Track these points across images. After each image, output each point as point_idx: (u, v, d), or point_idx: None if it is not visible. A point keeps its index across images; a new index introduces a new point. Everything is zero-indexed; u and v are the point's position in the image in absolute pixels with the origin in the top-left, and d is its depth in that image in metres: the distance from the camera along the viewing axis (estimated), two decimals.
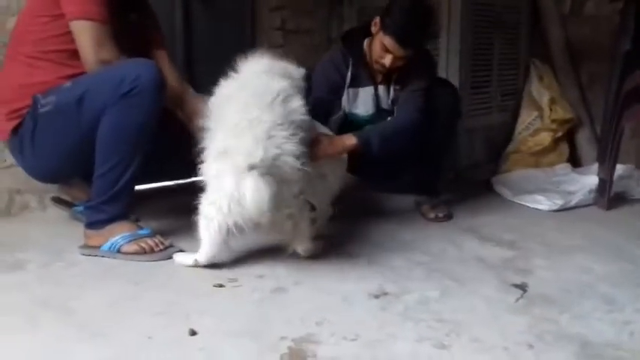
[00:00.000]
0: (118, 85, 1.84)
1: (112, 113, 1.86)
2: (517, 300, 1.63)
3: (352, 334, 1.41)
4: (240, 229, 1.76)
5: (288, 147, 1.77)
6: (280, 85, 1.90)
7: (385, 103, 2.45)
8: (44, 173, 2.09)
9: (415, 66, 2.36)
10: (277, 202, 1.71)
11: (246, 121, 1.76)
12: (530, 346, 1.37)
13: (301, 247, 1.93)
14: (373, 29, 2.32)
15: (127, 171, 1.91)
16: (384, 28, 2.25)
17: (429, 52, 2.53)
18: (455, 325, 1.47)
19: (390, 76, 2.42)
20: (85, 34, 1.89)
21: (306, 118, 1.93)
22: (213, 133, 1.83)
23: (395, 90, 2.41)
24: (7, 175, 2.34)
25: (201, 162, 1.84)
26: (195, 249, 2.00)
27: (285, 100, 1.87)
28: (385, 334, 1.42)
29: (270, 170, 1.70)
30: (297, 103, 1.91)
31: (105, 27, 1.91)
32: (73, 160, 2.01)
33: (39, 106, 1.92)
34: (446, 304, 1.60)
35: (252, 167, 1.67)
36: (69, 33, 1.91)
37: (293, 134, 1.80)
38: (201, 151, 1.84)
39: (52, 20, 1.94)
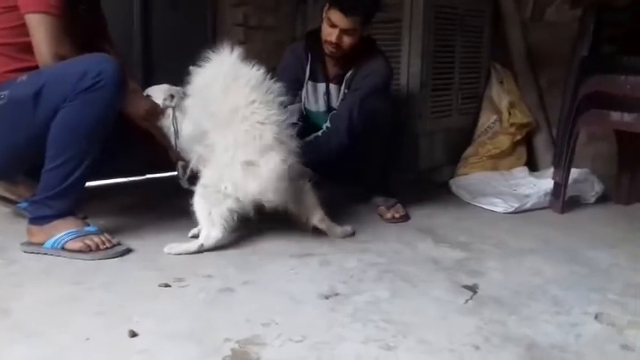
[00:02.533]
0: (80, 79, 1.79)
1: (70, 107, 1.80)
2: (467, 301, 1.63)
3: (299, 336, 1.39)
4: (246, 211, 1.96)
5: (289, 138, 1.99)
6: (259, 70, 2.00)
7: (335, 103, 2.49)
8: None
9: (367, 69, 2.42)
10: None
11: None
12: (477, 348, 1.36)
13: (316, 217, 2.12)
14: (323, 13, 2.38)
15: (79, 167, 1.86)
16: (330, 3, 2.32)
17: (386, 60, 2.54)
18: (403, 326, 1.45)
19: (342, 77, 2.43)
20: (41, 28, 1.84)
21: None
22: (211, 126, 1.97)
23: (345, 93, 2.45)
24: None
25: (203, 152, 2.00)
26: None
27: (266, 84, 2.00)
28: (332, 336, 1.40)
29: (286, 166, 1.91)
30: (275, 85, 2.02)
31: (61, 21, 1.86)
32: (23, 156, 1.95)
33: None
34: (396, 305, 1.58)
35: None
36: (22, 26, 1.85)
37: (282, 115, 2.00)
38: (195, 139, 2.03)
39: (3, 12, 1.88)
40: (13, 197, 2.23)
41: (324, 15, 2.38)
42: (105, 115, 1.86)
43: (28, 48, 1.87)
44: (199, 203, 1.97)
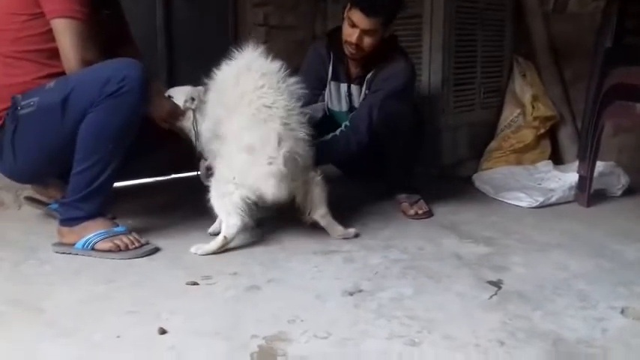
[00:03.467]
0: (105, 84, 1.82)
1: (97, 112, 1.84)
2: (491, 297, 1.62)
3: (324, 332, 1.40)
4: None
5: (299, 125, 1.99)
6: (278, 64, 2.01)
7: (357, 103, 2.49)
8: (24, 175, 2.07)
9: (389, 71, 2.39)
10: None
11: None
12: (502, 343, 1.36)
13: (318, 213, 2.09)
14: (344, 13, 2.35)
15: (106, 169, 1.89)
16: (351, 3, 2.29)
17: (408, 61, 2.49)
18: (427, 322, 1.46)
19: (363, 78, 2.43)
20: (67, 33, 1.87)
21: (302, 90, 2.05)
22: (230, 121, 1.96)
23: (365, 94, 2.44)
24: None
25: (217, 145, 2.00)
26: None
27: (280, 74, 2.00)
28: (357, 332, 1.41)
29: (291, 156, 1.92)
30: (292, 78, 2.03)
31: (86, 26, 1.89)
32: (55, 160, 1.99)
33: (19, 108, 1.90)
34: (420, 301, 1.59)
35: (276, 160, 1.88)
36: (49, 32, 1.89)
37: (299, 112, 2.01)
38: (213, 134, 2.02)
39: (31, 19, 1.91)
40: (43, 199, 2.29)
41: (344, 15, 2.34)
42: (129, 119, 1.89)
43: (56, 54, 1.90)
44: (214, 196, 1.98)
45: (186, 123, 2.18)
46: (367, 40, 2.31)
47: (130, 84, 1.83)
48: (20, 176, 2.09)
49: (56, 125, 1.88)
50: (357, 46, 2.32)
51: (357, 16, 2.26)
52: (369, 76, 2.45)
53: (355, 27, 2.28)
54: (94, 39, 1.92)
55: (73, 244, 1.92)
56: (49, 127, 1.90)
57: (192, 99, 2.16)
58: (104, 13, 2.11)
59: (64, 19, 1.86)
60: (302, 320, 1.47)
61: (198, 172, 2.23)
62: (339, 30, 2.45)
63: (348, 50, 2.37)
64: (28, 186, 2.32)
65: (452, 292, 1.66)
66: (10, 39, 1.94)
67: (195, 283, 1.70)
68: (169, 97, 2.19)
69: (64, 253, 1.92)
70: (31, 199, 2.34)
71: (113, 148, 1.89)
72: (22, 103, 1.90)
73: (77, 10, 1.87)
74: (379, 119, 2.32)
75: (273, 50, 2.08)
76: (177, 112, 2.16)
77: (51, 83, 1.90)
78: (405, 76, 2.43)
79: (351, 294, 1.64)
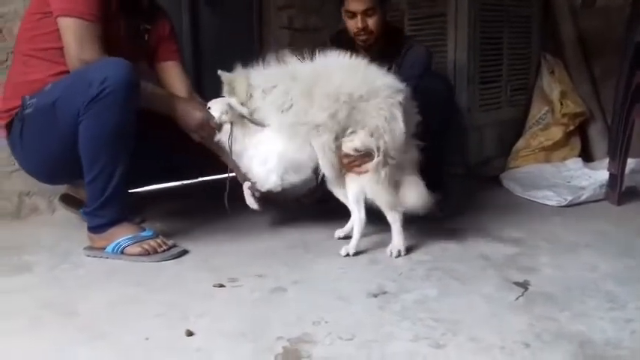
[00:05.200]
0: (87, 89, 1.80)
1: (87, 118, 1.83)
2: (517, 298, 1.61)
3: (348, 334, 1.41)
4: None
5: None
6: None
7: None
8: (40, 174, 2.12)
9: (409, 60, 2.42)
10: None
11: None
12: (528, 345, 1.35)
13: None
14: (342, 13, 2.44)
15: (113, 177, 1.89)
16: None
17: (420, 45, 2.53)
18: (452, 324, 1.46)
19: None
20: (69, 32, 1.88)
21: None
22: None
23: None
24: (17, 177, 2.39)
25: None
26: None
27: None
28: (381, 334, 1.42)
29: None
30: None
31: (91, 25, 1.89)
32: (62, 162, 1.98)
33: (25, 107, 1.94)
34: (445, 303, 1.59)
35: None
36: (58, 30, 1.91)
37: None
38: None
39: (42, 17, 1.95)
40: (78, 197, 2.32)
41: (343, 13, 2.43)
42: (121, 120, 1.84)
43: None
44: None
45: (223, 137, 2.07)
46: (371, 21, 2.38)
47: (112, 85, 1.79)
48: (38, 175, 2.13)
49: (51, 127, 1.89)
50: (365, 29, 2.39)
51: (352, 3, 2.35)
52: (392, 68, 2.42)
53: (355, 15, 2.36)
54: (102, 41, 1.91)
55: (104, 249, 1.96)
56: (46, 129, 1.91)
57: (228, 111, 2.03)
58: (141, 25, 2.16)
59: (67, 18, 1.88)
60: (326, 322, 1.48)
61: (228, 176, 2.18)
62: (341, 32, 2.53)
63: (360, 40, 2.42)
64: (62, 189, 2.37)
65: (477, 293, 1.65)
66: (27, 37, 1.99)
67: (221, 286, 1.72)
68: (209, 108, 2.09)
69: (95, 256, 1.97)
70: (65, 198, 2.35)
71: (113, 153, 1.87)
72: (27, 103, 1.93)
73: (81, 10, 1.87)
74: (419, 93, 2.22)
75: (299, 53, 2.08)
76: (209, 125, 2.05)
77: (49, 85, 1.92)
78: (428, 56, 2.50)
79: (376, 296, 1.64)
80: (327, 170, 1.96)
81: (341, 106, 1.88)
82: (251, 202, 2.13)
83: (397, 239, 1.98)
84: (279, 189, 2.03)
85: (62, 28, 1.89)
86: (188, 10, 3.05)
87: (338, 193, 2.11)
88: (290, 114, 1.93)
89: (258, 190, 2.09)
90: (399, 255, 1.96)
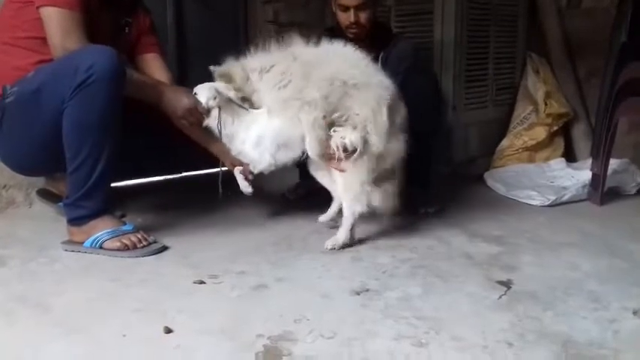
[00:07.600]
0: (73, 75, 1.78)
1: (71, 106, 1.80)
2: (500, 297, 1.60)
3: (330, 332, 1.39)
4: None
5: None
6: None
7: None
8: (22, 166, 2.07)
9: (397, 55, 2.44)
10: None
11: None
12: (511, 345, 1.34)
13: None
14: (333, 7, 2.48)
15: (96, 166, 1.86)
16: None
17: (406, 41, 2.58)
18: (435, 322, 1.44)
19: None
20: (52, 21, 1.86)
21: None
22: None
23: None
24: None
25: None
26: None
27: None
28: (364, 332, 1.40)
29: None
30: None
31: (74, 14, 1.87)
32: (43, 153, 1.95)
33: (6, 97, 1.90)
34: (428, 301, 1.58)
35: None
36: (39, 19, 1.87)
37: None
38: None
39: (23, 6, 1.91)
40: (56, 192, 2.28)
41: (334, 7, 2.46)
42: (106, 107, 1.82)
43: (47, 41, 1.88)
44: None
45: (212, 122, 2.05)
46: (363, 15, 2.42)
47: (99, 72, 1.76)
48: (20, 167, 2.09)
49: (34, 115, 1.86)
50: (357, 24, 2.42)
51: None
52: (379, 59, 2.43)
53: (348, 9, 2.40)
54: (85, 30, 1.89)
55: (82, 243, 1.92)
56: (29, 117, 1.87)
57: (215, 97, 2.01)
58: (122, 20, 2.13)
59: (49, 7, 1.85)
60: (308, 320, 1.46)
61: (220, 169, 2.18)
62: (332, 29, 2.55)
63: (352, 33, 2.44)
64: (40, 182, 2.33)
65: (461, 292, 1.64)
66: (6, 26, 1.95)
67: (202, 282, 1.69)
68: (195, 94, 2.05)
69: (72, 251, 1.93)
70: (43, 193, 2.31)
71: (98, 141, 1.83)
72: (8, 92, 1.89)
73: (63, 0, 1.85)
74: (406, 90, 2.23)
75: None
76: (197, 110, 2.02)
77: (31, 73, 1.88)
78: (415, 51, 2.55)
79: (359, 293, 1.62)
80: (313, 148, 1.94)
81: (335, 89, 1.91)
82: (244, 185, 2.13)
83: (342, 233, 2.00)
84: (272, 168, 2.03)
85: (45, 18, 1.86)
86: (173, 4, 3.01)
87: (321, 176, 2.13)
88: (286, 91, 1.95)
89: (251, 173, 2.09)
90: (333, 248, 1.96)
